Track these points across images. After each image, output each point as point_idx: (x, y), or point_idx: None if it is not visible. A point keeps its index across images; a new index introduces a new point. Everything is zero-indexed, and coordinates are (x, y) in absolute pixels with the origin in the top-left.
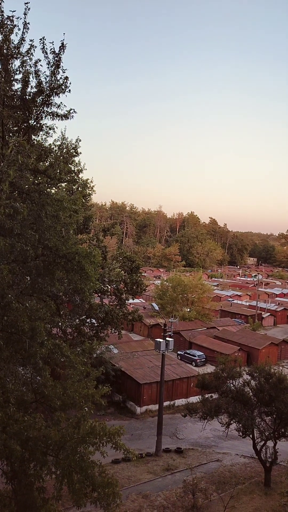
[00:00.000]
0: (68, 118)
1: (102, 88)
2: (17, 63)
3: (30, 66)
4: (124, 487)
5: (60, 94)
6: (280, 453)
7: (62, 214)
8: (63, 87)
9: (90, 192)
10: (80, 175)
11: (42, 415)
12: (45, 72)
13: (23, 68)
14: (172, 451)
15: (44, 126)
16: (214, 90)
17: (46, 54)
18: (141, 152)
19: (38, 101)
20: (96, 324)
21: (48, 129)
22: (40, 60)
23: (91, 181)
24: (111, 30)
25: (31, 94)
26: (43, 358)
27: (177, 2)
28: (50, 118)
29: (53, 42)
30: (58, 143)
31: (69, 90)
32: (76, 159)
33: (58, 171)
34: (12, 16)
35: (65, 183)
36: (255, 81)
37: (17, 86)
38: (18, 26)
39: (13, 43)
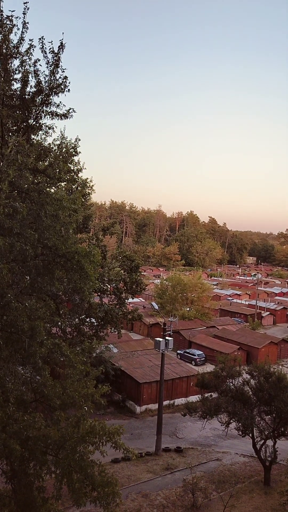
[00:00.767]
0: (67, 117)
1: (101, 87)
2: (16, 62)
3: (30, 66)
4: (123, 486)
5: (60, 94)
6: (279, 452)
7: (62, 214)
8: (62, 86)
9: (90, 191)
10: (80, 174)
11: (42, 414)
12: (44, 71)
13: (23, 67)
14: (172, 450)
15: (43, 126)
16: (213, 90)
17: (45, 53)
18: (141, 151)
19: (38, 100)
20: (95, 324)
21: (47, 128)
22: (39, 60)
23: (91, 180)
24: (108, 28)
25: (31, 93)
26: (43, 357)
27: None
28: (50, 117)
29: (52, 41)
30: (58, 142)
31: (69, 89)
32: (76, 158)
33: (58, 170)
34: (12, 16)
35: (65, 183)
36: (255, 81)
37: (16, 85)
38: (17, 25)
39: (12, 42)
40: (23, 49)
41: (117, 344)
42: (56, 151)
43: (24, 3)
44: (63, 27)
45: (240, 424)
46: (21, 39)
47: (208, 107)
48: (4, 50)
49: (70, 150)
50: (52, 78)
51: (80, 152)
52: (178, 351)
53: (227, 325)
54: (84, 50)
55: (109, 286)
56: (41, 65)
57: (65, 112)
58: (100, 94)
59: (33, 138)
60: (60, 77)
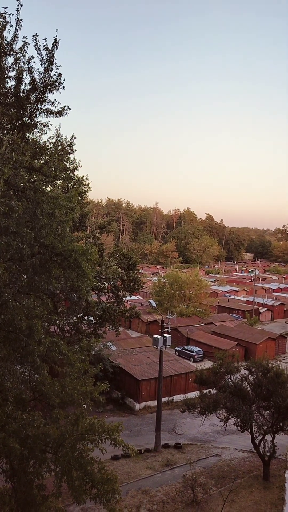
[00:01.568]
0: (62, 115)
1: (95, 81)
2: (10, 60)
3: (24, 63)
4: (123, 483)
5: (54, 91)
6: (278, 447)
7: (58, 212)
8: (56, 83)
9: (86, 189)
10: (76, 172)
11: (41, 413)
12: (38, 69)
13: (17, 65)
14: (171, 447)
15: (38, 124)
16: (210, 85)
17: (39, 51)
18: (137, 148)
19: (32, 98)
20: (93, 322)
21: (42, 126)
22: (33, 57)
23: (87, 178)
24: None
25: (25, 91)
26: (41, 356)
27: None
28: (44, 115)
29: (46, 38)
30: (53, 140)
31: (63, 86)
32: (71, 156)
33: (53, 168)
34: (5, 13)
35: (61, 181)
36: (255, 81)
37: (10, 83)
38: (10, 23)
39: (6, 40)
40: (17, 46)
41: (115, 342)
42: (51, 149)
43: None
44: (59, 21)
45: (239, 419)
46: (15, 36)
47: (205, 102)
48: None
49: (66, 148)
50: (46, 76)
51: (75, 150)
52: (176, 348)
53: (225, 321)
54: (79, 41)
55: (106, 284)
56: (35, 63)
57: (60, 109)
58: (95, 90)
59: (28, 136)
60: (54, 74)
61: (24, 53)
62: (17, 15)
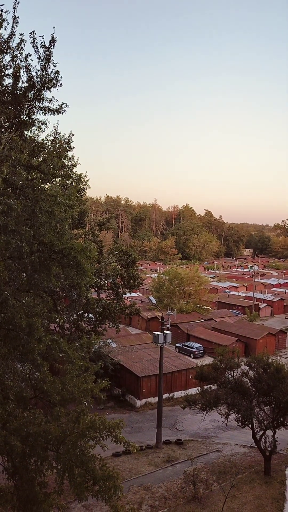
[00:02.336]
0: (60, 112)
1: (93, 79)
2: (7, 57)
3: (21, 61)
4: (125, 479)
5: (52, 88)
6: (279, 442)
7: (57, 210)
8: (54, 81)
9: (84, 186)
10: (74, 170)
11: (42, 410)
12: (36, 66)
13: (14, 62)
14: (172, 443)
15: (36, 121)
16: (210, 82)
17: (37, 48)
18: (135, 145)
19: (30, 96)
20: (93, 319)
21: (40, 124)
22: (30, 55)
23: (85, 176)
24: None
25: (23, 89)
26: (41, 354)
27: None
28: (42, 113)
29: (43, 36)
30: (51, 138)
31: (61, 84)
32: (70, 153)
33: (52, 166)
34: (1, 10)
35: (59, 178)
36: (254, 78)
37: (8, 81)
38: (7, 20)
39: (2, 37)
40: (14, 44)
41: (115, 339)
42: (49, 146)
43: None
44: (58, 17)
45: (239, 415)
46: (12, 33)
47: (204, 99)
48: None
49: (64, 145)
50: (44, 73)
51: (74, 147)
52: (177, 344)
53: (225, 317)
54: (79, 38)
55: (106, 281)
56: (32, 60)
57: (58, 107)
58: (93, 87)
59: (26, 134)
60: (52, 72)
61: (21, 51)
62: (14, 13)
